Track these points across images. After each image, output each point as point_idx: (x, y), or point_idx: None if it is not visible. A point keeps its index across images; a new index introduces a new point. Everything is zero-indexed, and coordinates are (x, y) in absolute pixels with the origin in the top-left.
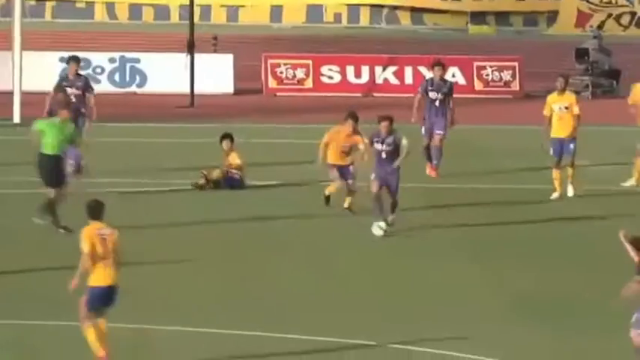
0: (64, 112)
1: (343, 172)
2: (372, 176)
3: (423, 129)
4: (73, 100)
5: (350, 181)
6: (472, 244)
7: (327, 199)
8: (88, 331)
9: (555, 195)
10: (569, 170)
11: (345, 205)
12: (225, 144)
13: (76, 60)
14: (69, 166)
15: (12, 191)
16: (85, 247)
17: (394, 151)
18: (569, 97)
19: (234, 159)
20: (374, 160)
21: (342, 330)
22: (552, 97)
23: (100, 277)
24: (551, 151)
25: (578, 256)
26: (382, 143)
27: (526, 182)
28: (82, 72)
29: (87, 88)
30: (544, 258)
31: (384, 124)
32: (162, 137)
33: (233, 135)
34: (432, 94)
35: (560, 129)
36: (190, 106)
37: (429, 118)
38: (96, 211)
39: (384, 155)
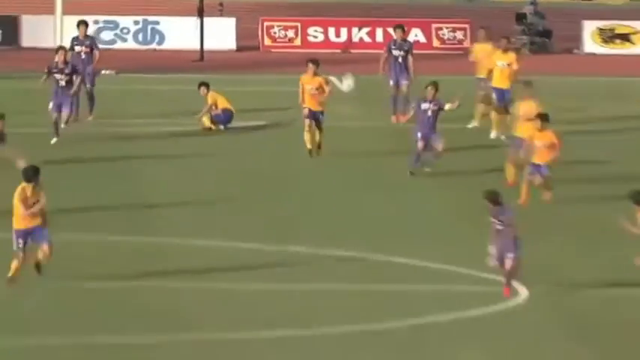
0: None
1: (316, 115)
2: (418, 135)
3: (390, 82)
4: (83, 56)
5: (321, 122)
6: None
7: (310, 151)
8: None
9: (493, 135)
10: (498, 115)
11: (309, 146)
12: (202, 90)
13: (84, 23)
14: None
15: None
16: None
17: (437, 112)
18: (510, 56)
19: (212, 99)
20: (419, 121)
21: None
22: (497, 55)
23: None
24: (495, 98)
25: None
26: (429, 103)
27: (463, 122)
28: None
29: (94, 46)
30: None
31: (430, 89)
32: (178, 85)
33: (208, 83)
34: (395, 52)
35: (501, 81)
36: (200, 60)
37: (394, 73)
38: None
39: (429, 114)
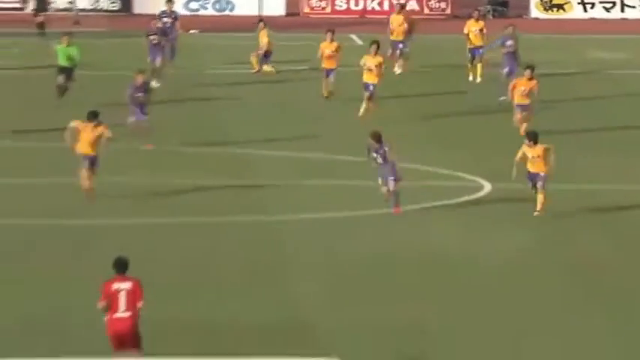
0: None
1: (328, 72)
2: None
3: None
4: (168, 25)
5: (331, 81)
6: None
7: (326, 97)
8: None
9: (470, 79)
10: (479, 66)
11: (325, 94)
12: (260, 25)
13: (171, 1)
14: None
15: None
16: None
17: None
18: (481, 24)
19: (263, 37)
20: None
21: None
22: (470, 23)
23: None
24: (469, 56)
25: None
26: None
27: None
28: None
29: (175, 19)
30: None
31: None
32: (246, 41)
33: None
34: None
35: (475, 41)
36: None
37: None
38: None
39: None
